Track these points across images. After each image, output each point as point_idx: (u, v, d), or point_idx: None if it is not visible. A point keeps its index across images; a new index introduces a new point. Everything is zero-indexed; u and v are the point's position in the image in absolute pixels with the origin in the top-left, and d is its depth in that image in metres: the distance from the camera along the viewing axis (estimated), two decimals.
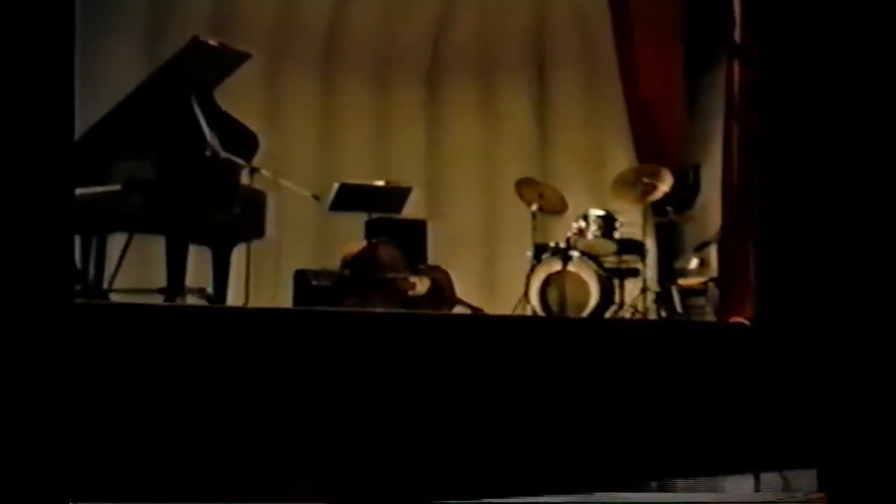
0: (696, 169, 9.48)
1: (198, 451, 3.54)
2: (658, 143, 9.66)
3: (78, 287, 6.12)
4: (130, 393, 3.56)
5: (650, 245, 8.37)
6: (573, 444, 3.89)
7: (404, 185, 7.89)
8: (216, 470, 3.49)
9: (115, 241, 6.48)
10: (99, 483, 3.18)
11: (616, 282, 7.99)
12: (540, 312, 7.60)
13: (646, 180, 8.04)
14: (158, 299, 6.04)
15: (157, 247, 6.13)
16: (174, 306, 5.60)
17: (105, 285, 6.36)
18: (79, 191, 5.90)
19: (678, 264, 8.63)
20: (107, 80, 8.37)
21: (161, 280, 6.05)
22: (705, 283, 7.77)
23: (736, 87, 5.22)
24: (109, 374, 3.46)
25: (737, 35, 5.04)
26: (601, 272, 7.79)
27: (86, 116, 7.53)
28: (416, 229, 8.32)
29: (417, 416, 3.87)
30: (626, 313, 7.95)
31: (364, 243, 7.74)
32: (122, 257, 6.49)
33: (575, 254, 7.80)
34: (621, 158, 9.70)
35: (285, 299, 7.73)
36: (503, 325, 4.62)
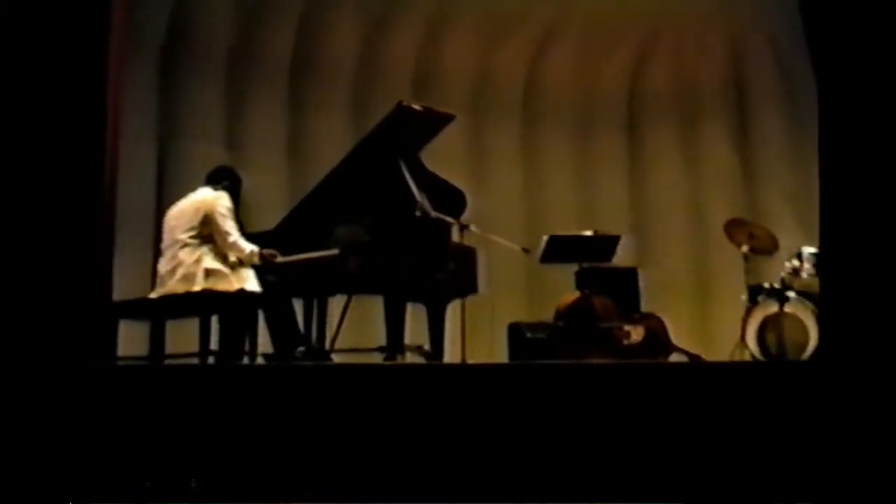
0: None
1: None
2: None
3: (302, 349, 6.32)
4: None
5: None
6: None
7: (612, 233, 7.85)
8: None
9: (336, 303, 6.67)
10: None
11: None
12: (759, 357, 7.41)
13: None
14: (379, 358, 6.19)
15: (375, 307, 6.30)
16: (401, 365, 5.74)
17: (327, 346, 6.55)
18: (299, 256, 6.15)
19: None
20: (317, 146, 8.73)
21: (380, 339, 6.22)
22: None
23: None
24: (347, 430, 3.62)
25: None
26: None
27: (299, 184, 7.88)
28: (628, 277, 8.25)
29: (642, 466, 3.86)
30: None
31: (577, 294, 7.75)
32: (342, 318, 6.67)
33: (791, 294, 7.58)
34: None
35: (501, 353, 7.80)
36: (724, 372, 4.56)
